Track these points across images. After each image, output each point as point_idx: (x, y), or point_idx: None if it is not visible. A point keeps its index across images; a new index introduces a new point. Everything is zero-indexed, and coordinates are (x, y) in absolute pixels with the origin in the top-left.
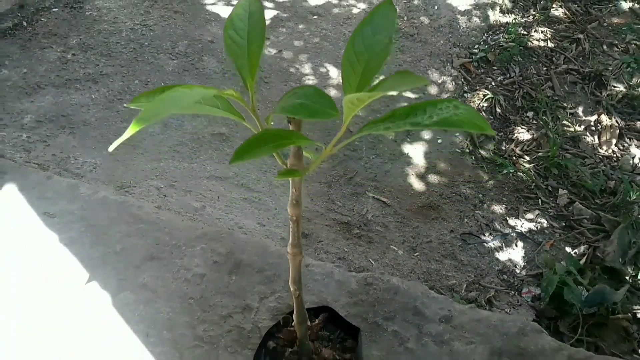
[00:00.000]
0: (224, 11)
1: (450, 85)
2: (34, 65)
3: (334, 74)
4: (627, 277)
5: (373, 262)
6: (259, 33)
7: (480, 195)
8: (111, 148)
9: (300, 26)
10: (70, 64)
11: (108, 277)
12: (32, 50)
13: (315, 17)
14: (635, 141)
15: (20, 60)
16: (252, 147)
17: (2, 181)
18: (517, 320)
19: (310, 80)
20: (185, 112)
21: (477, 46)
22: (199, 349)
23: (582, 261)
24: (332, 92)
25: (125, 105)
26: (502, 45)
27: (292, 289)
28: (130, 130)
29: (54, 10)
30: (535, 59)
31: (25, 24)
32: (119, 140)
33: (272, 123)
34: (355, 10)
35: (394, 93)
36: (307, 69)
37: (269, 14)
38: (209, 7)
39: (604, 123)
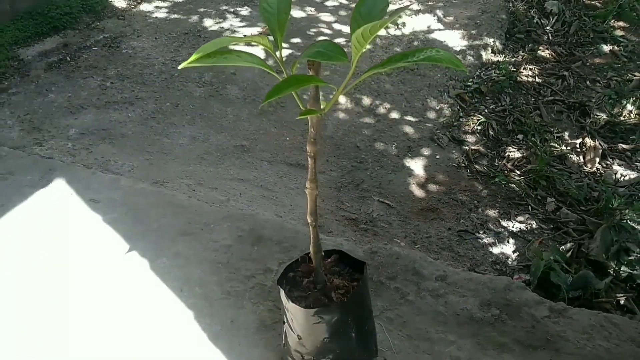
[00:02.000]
0: (245, 49)
1: (447, 111)
2: (77, 91)
3: (342, 99)
4: (610, 270)
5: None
6: (286, 5)
7: (475, 201)
8: (180, 67)
9: None
10: (109, 90)
11: (147, 248)
12: (75, 80)
13: None
14: (617, 160)
15: (65, 87)
16: (281, 89)
17: (52, 176)
18: (504, 279)
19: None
20: (230, 61)
21: (471, 80)
22: (226, 300)
23: (568, 255)
24: (341, 115)
25: (179, 67)
26: (494, 79)
27: (309, 220)
28: (193, 57)
29: (94, 48)
30: (524, 92)
31: (69, 59)
32: (186, 62)
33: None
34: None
35: (394, 19)
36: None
37: (284, 53)
38: (231, 47)
39: (588, 145)
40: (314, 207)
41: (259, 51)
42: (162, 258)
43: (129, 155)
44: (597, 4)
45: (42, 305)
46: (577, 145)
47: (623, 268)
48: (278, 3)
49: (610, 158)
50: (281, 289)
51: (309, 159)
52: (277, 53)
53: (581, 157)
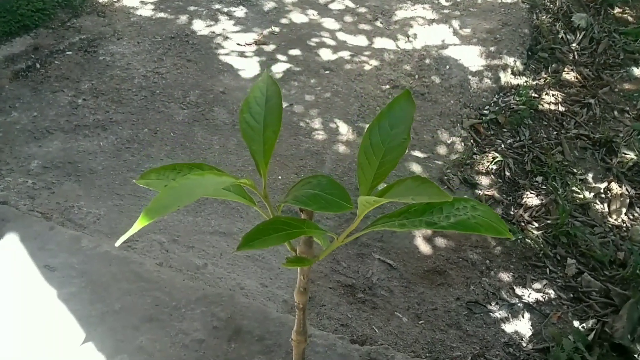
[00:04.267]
0: (237, 62)
1: (459, 146)
2: (44, 108)
3: (344, 129)
4: (636, 355)
5: (377, 330)
6: (275, 118)
7: (488, 261)
8: (117, 243)
9: (312, 80)
10: (80, 109)
11: (105, 337)
12: (43, 94)
13: (327, 72)
14: None
15: (30, 103)
16: (262, 234)
17: (4, 229)
18: None
19: (320, 136)
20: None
21: (487, 107)
22: None
23: (590, 337)
24: (341, 149)
25: (134, 181)
26: (513, 108)
27: None
28: (139, 224)
29: (67, 53)
30: (545, 123)
31: (38, 66)
32: (125, 234)
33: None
34: (367, 67)
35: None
36: (317, 123)
37: (281, 67)
38: (222, 57)
39: (614, 191)
40: None
41: (254, 64)
42: (123, 354)
43: (96, 199)
44: (630, 18)
45: None
46: (602, 191)
47: None
48: (265, 114)
49: (638, 207)
50: None
51: (297, 310)
52: (261, 188)
53: (606, 205)
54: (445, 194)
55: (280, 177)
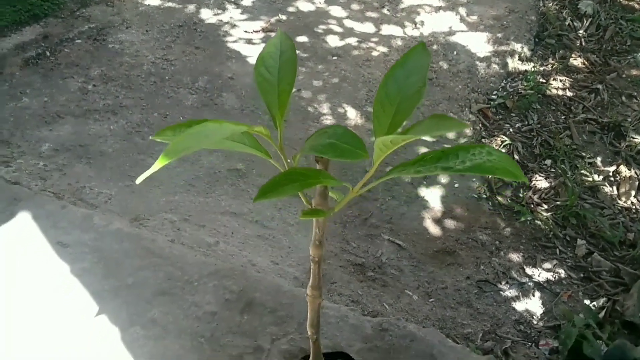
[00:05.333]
0: (245, 49)
1: (468, 131)
2: (54, 94)
3: (352, 114)
4: None
5: (387, 307)
6: (290, 71)
7: (497, 242)
8: (138, 181)
9: (319, 66)
10: (90, 95)
11: (118, 310)
12: (53, 80)
13: (334, 57)
14: None
15: (41, 89)
16: (278, 185)
17: (17, 208)
18: None
19: (328, 120)
20: (213, 147)
21: (495, 92)
22: None
23: (601, 315)
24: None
25: (150, 137)
26: (521, 93)
27: (309, 332)
28: (158, 164)
29: (77, 41)
30: (553, 108)
31: (48, 53)
32: (145, 173)
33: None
34: (374, 53)
35: (429, 138)
36: (325, 108)
37: None
38: (230, 45)
39: (623, 174)
40: (316, 318)
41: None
42: (136, 326)
43: (107, 179)
44: (637, 5)
45: None
46: (611, 174)
47: None
48: (280, 68)
49: None
50: None
51: (312, 264)
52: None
53: (615, 188)
54: (464, 123)
55: (289, 160)
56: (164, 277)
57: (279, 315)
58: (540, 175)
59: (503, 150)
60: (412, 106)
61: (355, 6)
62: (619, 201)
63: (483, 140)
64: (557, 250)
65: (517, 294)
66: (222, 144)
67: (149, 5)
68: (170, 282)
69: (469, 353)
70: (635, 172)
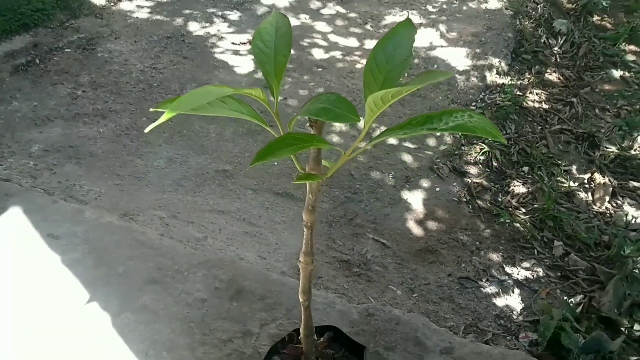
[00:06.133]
0: (232, 59)
1: (448, 138)
2: (44, 99)
3: (337, 122)
4: (622, 328)
5: (372, 300)
6: (285, 44)
7: (477, 242)
8: (147, 130)
9: (305, 77)
10: (80, 100)
11: (109, 297)
12: (43, 86)
13: (320, 69)
14: (628, 199)
15: (31, 94)
16: (274, 148)
17: (8, 203)
18: (518, 355)
19: None
20: (215, 111)
21: (474, 103)
22: None
23: (579, 310)
24: (335, 139)
25: (150, 109)
26: (499, 104)
27: (301, 299)
28: (166, 116)
29: (66, 50)
30: (530, 119)
31: (38, 61)
32: (154, 123)
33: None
34: (358, 66)
35: (419, 86)
36: None
37: None
38: (217, 55)
39: (598, 181)
40: (308, 284)
41: (248, 62)
42: (127, 312)
43: (97, 178)
44: (608, 25)
45: None
46: (586, 181)
47: (636, 326)
48: (276, 42)
49: (621, 197)
50: None
51: (305, 229)
52: (273, 105)
53: (590, 194)
54: (448, 73)
55: (276, 164)
56: (154, 267)
57: (267, 302)
58: (518, 181)
59: (482, 158)
60: (399, 74)
61: (339, 22)
62: (594, 206)
63: (463, 147)
64: (535, 250)
65: (497, 290)
66: (223, 112)
67: (137, 17)
68: (161, 272)
69: (451, 335)
70: (609, 179)
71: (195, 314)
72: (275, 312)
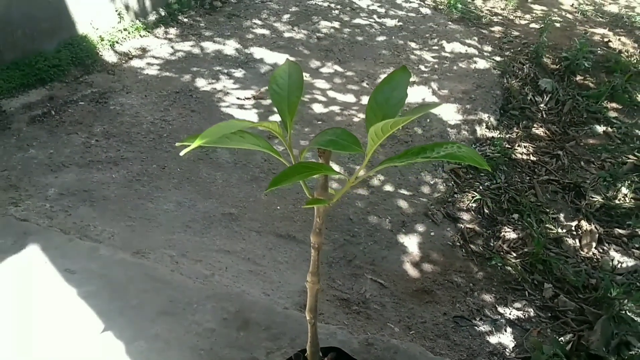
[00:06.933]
0: (237, 113)
1: (441, 187)
2: (59, 147)
3: (336, 168)
4: None
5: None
6: (297, 87)
7: (471, 284)
8: (182, 153)
9: (306, 129)
10: (93, 148)
11: (124, 328)
12: (58, 135)
13: (319, 122)
14: (614, 245)
15: (47, 143)
16: (287, 176)
17: (27, 241)
18: None
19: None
20: (235, 143)
21: None
22: None
23: (568, 348)
24: (334, 185)
25: (176, 144)
26: (489, 156)
27: (307, 317)
28: (197, 142)
29: (80, 103)
30: (519, 169)
31: (53, 112)
32: (188, 148)
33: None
34: (355, 119)
35: (414, 117)
36: None
37: (278, 118)
38: (223, 109)
39: (584, 228)
40: (314, 303)
41: (253, 115)
42: (140, 340)
43: (110, 220)
44: (590, 84)
45: None
46: (573, 228)
47: None
48: (289, 85)
49: (607, 243)
50: None
51: (312, 250)
52: (287, 138)
53: (577, 240)
54: (438, 103)
55: (279, 207)
56: (166, 299)
57: (273, 332)
58: (508, 227)
59: (474, 205)
60: (396, 112)
61: (337, 80)
62: (582, 252)
63: (455, 195)
64: (526, 292)
65: (490, 329)
66: (243, 144)
67: (147, 74)
68: (172, 304)
69: None
70: (595, 227)
71: (205, 343)
72: (280, 342)
